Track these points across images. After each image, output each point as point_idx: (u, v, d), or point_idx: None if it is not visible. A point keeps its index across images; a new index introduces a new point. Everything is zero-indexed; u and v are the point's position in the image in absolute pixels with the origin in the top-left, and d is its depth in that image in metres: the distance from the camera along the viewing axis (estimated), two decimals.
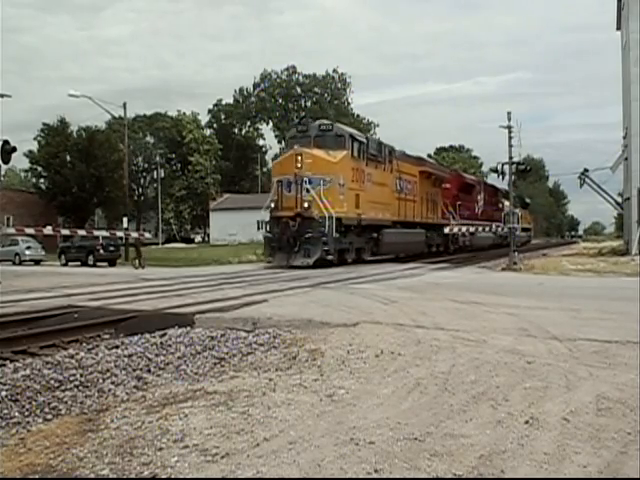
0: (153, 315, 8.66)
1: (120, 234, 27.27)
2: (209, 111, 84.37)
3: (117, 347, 6.73)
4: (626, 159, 30.62)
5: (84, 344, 7.14)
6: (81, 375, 5.56)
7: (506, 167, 23.72)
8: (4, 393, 4.92)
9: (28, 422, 4.40)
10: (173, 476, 3.28)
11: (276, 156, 46.21)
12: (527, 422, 4.01)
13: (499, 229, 39.82)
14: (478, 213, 38.35)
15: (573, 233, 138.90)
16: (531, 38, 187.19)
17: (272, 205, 20.99)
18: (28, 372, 5.57)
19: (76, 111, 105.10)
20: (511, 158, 23.27)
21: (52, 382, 5.32)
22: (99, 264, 28.27)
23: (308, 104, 71.64)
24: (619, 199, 38.17)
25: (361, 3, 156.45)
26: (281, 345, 6.74)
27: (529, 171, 28.65)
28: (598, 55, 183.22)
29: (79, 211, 51.19)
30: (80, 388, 5.23)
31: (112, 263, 28.56)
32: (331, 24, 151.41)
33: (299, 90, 74.45)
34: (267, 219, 21.63)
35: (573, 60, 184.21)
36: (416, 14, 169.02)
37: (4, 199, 42.55)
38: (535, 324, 7.66)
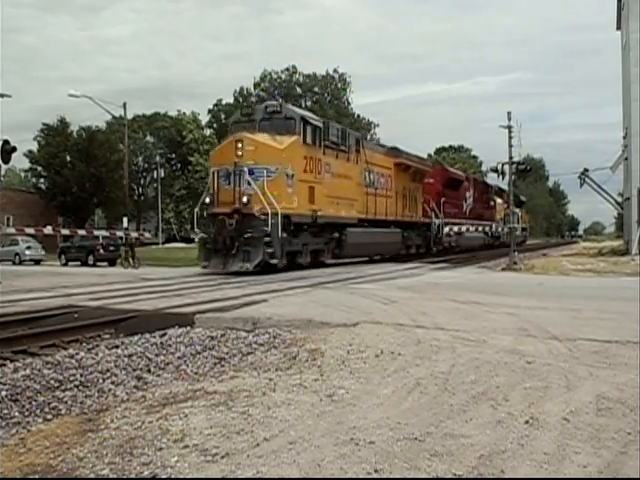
0: (153, 315, 8.66)
1: (120, 234, 27.29)
2: (209, 111, 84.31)
3: (117, 347, 6.73)
4: (626, 159, 30.64)
5: (84, 344, 7.15)
6: (81, 375, 5.56)
7: (506, 167, 23.75)
8: (4, 393, 4.92)
9: (28, 422, 4.40)
10: (173, 476, 3.28)
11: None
12: (527, 422, 4.01)
13: (491, 228, 37.93)
14: (466, 211, 35.81)
15: (573, 233, 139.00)
16: (531, 38, 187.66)
17: (207, 200, 17.96)
18: (28, 372, 5.57)
19: (76, 111, 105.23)
20: (511, 158, 23.29)
21: (52, 382, 5.32)
22: (99, 264, 28.29)
23: (308, 104, 71.63)
24: (619, 199, 38.23)
25: (361, 3, 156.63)
26: (281, 345, 6.74)
27: (529, 171, 28.62)
28: (598, 55, 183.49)
29: (79, 211, 51.22)
30: (80, 388, 5.23)
31: (112, 263, 28.57)
32: (331, 24, 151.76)
33: (299, 90, 74.47)
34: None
35: (573, 60, 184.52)
36: (416, 14, 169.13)
37: (4, 199, 42.57)
38: (535, 324, 7.66)
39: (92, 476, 3.32)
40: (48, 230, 25.31)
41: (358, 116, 75.64)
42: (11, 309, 9.32)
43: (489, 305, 9.55)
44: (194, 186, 71.26)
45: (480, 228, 34.12)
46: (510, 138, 22.99)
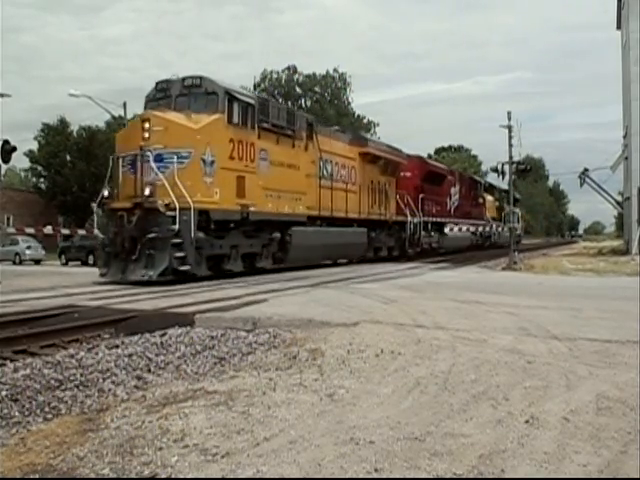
0: (153, 315, 8.66)
1: None
2: None
3: (117, 347, 6.73)
4: (626, 158, 30.65)
5: (84, 344, 7.15)
6: (81, 375, 5.56)
7: (506, 167, 23.75)
8: (4, 393, 4.92)
9: (28, 422, 4.40)
10: (173, 475, 3.28)
11: None
12: (527, 421, 4.01)
13: (480, 228, 35.06)
14: (451, 209, 32.41)
15: (573, 233, 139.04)
16: (531, 37, 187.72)
17: (105, 193, 14.79)
18: (28, 372, 5.57)
19: (76, 111, 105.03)
20: (511, 157, 23.29)
21: (52, 382, 5.32)
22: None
23: (308, 104, 71.59)
24: (619, 198, 38.25)
25: (361, 2, 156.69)
26: (281, 345, 6.74)
27: (529, 171, 28.57)
28: (598, 54, 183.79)
29: (79, 211, 51.16)
30: (80, 388, 5.23)
31: None
32: (331, 24, 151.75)
33: (299, 90, 74.45)
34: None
35: (573, 59, 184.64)
36: (416, 13, 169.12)
37: (4, 199, 42.51)
38: (535, 323, 7.66)
39: (92, 476, 3.32)
40: (48, 230, 25.27)
41: (358, 116, 75.61)
42: (11, 309, 9.32)
43: (489, 304, 9.55)
44: None
45: (467, 227, 31.72)
46: (510, 138, 22.99)
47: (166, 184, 13.43)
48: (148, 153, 13.71)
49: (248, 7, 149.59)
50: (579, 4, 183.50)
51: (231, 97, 15.13)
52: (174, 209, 13.33)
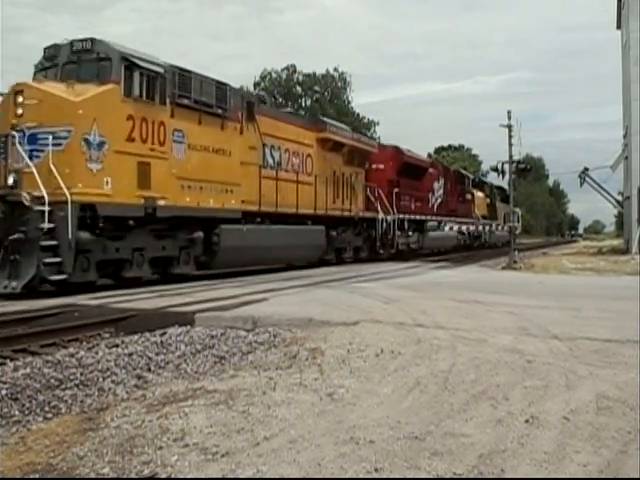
0: (153, 314, 8.66)
1: None
2: None
3: (117, 346, 6.73)
4: (626, 158, 30.63)
5: (84, 343, 7.14)
6: (81, 374, 5.56)
7: (506, 166, 23.75)
8: (4, 392, 4.92)
9: (28, 421, 4.40)
10: (173, 475, 3.27)
11: None
12: (527, 421, 4.01)
13: (467, 226, 32.75)
14: (433, 206, 28.84)
15: (573, 232, 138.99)
16: (531, 37, 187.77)
17: None
18: (28, 371, 5.56)
19: None
20: (511, 157, 23.28)
21: (52, 381, 5.32)
22: None
23: (308, 103, 71.56)
24: (619, 198, 38.24)
25: (361, 2, 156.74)
26: (281, 344, 6.74)
27: (529, 170, 28.53)
28: (598, 54, 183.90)
29: None
30: (80, 387, 5.23)
31: None
32: (332, 23, 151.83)
33: (299, 89, 74.42)
34: None
35: (573, 59, 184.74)
36: (416, 13, 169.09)
37: None
38: (535, 323, 7.66)
39: (92, 475, 3.32)
40: None
41: (358, 115, 75.57)
42: (11, 308, 9.32)
43: (489, 304, 9.55)
44: None
45: (451, 226, 29.55)
46: (510, 137, 22.97)
47: (34, 171, 10.78)
48: (18, 133, 11.07)
49: (248, 7, 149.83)
50: (579, 4, 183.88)
51: (130, 63, 12.12)
52: (45, 203, 10.66)
